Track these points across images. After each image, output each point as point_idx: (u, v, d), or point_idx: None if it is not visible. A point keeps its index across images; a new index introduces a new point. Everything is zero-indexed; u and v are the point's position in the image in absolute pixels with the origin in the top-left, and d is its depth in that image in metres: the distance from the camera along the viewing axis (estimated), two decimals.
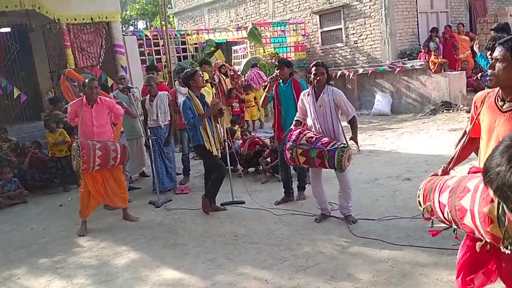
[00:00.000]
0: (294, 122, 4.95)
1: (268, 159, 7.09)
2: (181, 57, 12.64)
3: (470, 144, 2.78)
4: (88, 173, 5.31)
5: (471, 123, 2.69)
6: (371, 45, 13.66)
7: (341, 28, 14.31)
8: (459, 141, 3.02)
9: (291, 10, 15.66)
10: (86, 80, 5.49)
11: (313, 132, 4.73)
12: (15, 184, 7.31)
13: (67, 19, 9.64)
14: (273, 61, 13.54)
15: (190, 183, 7.18)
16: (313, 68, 4.71)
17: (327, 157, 4.47)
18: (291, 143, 4.66)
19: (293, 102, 5.48)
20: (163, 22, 11.34)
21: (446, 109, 11.48)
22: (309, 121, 4.84)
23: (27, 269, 4.59)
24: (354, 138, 4.67)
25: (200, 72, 6.26)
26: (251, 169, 7.45)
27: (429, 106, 12.05)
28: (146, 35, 11.82)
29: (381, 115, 12.52)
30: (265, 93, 5.76)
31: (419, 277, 3.50)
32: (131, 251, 4.72)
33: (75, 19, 9.78)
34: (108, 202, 5.65)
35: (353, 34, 14.05)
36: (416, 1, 13.58)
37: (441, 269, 3.56)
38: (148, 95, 6.82)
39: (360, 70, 13.39)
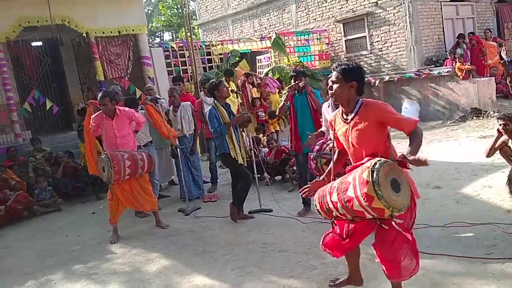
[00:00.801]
0: (318, 132, 5.00)
1: (295, 167, 7.11)
2: (206, 67, 12.82)
3: (341, 155, 3.42)
4: (117, 184, 5.45)
5: (334, 139, 3.39)
6: (396, 52, 13.59)
7: (365, 36, 14.28)
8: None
9: (314, 19, 15.72)
10: (98, 96, 5.63)
11: None
12: (50, 193, 7.54)
13: (95, 33, 9.93)
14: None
15: (218, 191, 7.27)
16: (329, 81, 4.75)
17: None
18: (315, 153, 4.70)
19: (309, 112, 5.54)
20: (188, 34, 11.55)
21: (476, 116, 11.27)
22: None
23: (63, 275, 4.73)
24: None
25: (225, 83, 6.36)
26: (278, 177, 7.50)
27: (458, 113, 11.86)
28: (172, 47, 12.05)
29: None
30: (283, 102, 5.82)
31: (450, 287, 3.47)
32: (162, 258, 4.82)
33: (103, 32, 10.06)
34: (139, 207, 5.79)
35: (377, 41, 14.00)
36: (441, 8, 13.46)
37: (473, 279, 3.52)
38: (172, 106, 6.99)
39: (386, 78, 13.31)
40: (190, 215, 6.19)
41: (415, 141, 2.97)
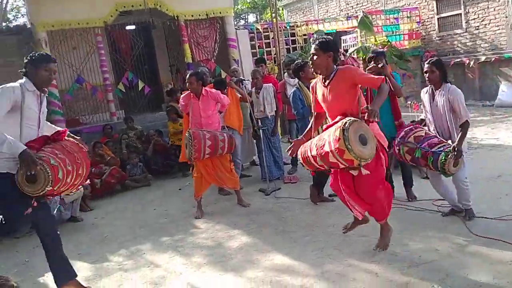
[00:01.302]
0: (419, 120, 4.82)
1: None
2: (290, 48, 12.76)
3: (317, 118, 4.15)
4: (199, 160, 5.67)
5: (313, 103, 4.07)
6: (495, 30, 12.53)
7: (460, 14, 13.33)
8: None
9: None
10: (187, 76, 5.89)
11: (426, 130, 4.53)
12: (141, 169, 8.03)
13: (184, 16, 10.26)
14: (385, 50, 13.07)
15: (298, 173, 7.27)
16: (425, 66, 4.50)
17: (431, 159, 4.28)
18: (398, 139, 4.58)
19: (387, 97, 5.29)
20: (273, 15, 11.53)
21: None
22: (427, 120, 4.66)
23: (151, 245, 5.05)
24: (457, 145, 4.23)
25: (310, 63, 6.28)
26: None
27: None
28: (257, 29, 12.13)
29: (505, 107, 11.46)
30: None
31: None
32: (243, 235, 4.96)
33: (192, 16, 10.36)
34: (221, 183, 5.98)
35: (474, 19, 13.01)
36: None
37: None
38: (254, 88, 7.07)
39: (482, 58, 12.36)
40: (270, 195, 6.27)
41: (379, 96, 3.60)
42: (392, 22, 14.39)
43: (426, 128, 4.61)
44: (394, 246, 4.14)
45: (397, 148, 4.60)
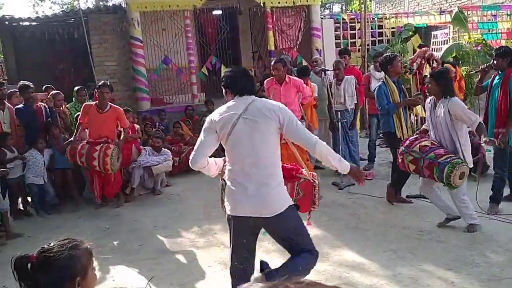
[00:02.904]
0: (421, 129, 4.89)
1: None
2: (376, 41, 12.35)
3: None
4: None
5: None
6: None
7: None
8: None
9: None
10: (273, 61, 5.92)
11: (432, 140, 4.50)
12: (217, 151, 8.19)
13: (271, 3, 10.26)
14: (479, 48, 12.23)
15: (374, 170, 7.07)
16: (426, 79, 4.45)
17: (436, 170, 4.22)
18: (403, 148, 4.55)
19: (497, 96, 4.97)
20: (362, 6, 11.20)
21: None
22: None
23: (222, 226, 5.13)
24: (502, 138, 4.25)
25: (399, 57, 6.05)
26: None
27: None
28: (343, 19, 11.85)
29: None
30: (477, 83, 5.34)
31: None
32: (314, 227, 4.84)
33: (279, 3, 10.34)
34: None
35: None
36: None
37: None
38: (335, 79, 6.90)
39: None
40: (344, 190, 6.15)
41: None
42: (489, 20, 13.41)
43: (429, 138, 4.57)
44: (475, 256, 3.92)
45: (401, 157, 4.55)
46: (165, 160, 6.77)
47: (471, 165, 4.38)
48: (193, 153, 2.95)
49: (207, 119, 2.97)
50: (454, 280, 3.55)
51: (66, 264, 1.61)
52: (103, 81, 6.47)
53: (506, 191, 5.26)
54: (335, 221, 5.03)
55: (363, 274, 3.75)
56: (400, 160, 4.61)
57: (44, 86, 7.52)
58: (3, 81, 5.59)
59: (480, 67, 5.36)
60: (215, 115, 2.92)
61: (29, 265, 1.63)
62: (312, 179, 3.30)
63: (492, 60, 5.13)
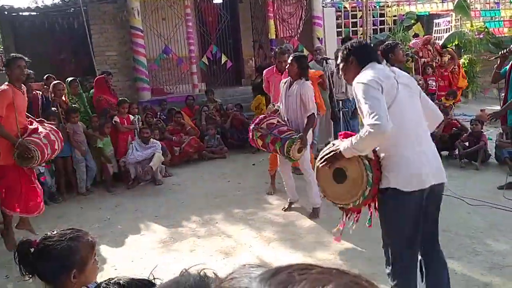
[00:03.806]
0: (272, 109, 5.18)
1: (466, 143, 6.50)
2: (378, 29, 12.28)
3: None
4: None
5: None
6: None
7: None
8: None
9: None
10: (276, 49, 5.88)
11: (279, 119, 4.86)
12: (217, 141, 8.21)
13: None
14: (481, 36, 12.16)
15: None
16: (283, 57, 4.94)
17: (279, 144, 4.61)
18: (253, 125, 4.88)
19: None
20: None
21: None
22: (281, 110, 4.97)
23: (224, 215, 5.17)
24: (302, 135, 4.59)
25: (401, 46, 6.00)
26: (444, 153, 6.93)
27: None
28: (345, 7, 11.77)
29: None
30: (495, 69, 5.28)
31: None
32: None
33: None
34: (296, 162, 5.94)
35: None
36: None
37: None
38: (337, 68, 6.83)
39: None
40: None
41: None
42: (492, 7, 13.32)
43: (278, 117, 4.93)
44: (476, 244, 3.92)
45: (251, 133, 4.88)
46: (153, 153, 6.66)
47: (307, 145, 4.73)
48: (375, 118, 2.37)
49: (369, 80, 2.51)
50: (456, 269, 3.54)
51: (63, 255, 1.61)
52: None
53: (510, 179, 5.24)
54: (337, 210, 5.01)
55: (364, 262, 3.76)
56: (250, 136, 4.93)
57: (45, 76, 7.50)
58: None
59: (500, 52, 5.27)
60: (375, 76, 2.52)
61: (31, 250, 1.64)
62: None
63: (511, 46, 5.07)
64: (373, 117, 2.38)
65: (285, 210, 5.13)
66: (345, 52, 2.76)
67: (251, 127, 4.92)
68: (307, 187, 4.93)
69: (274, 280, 0.55)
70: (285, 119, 4.88)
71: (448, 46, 11.03)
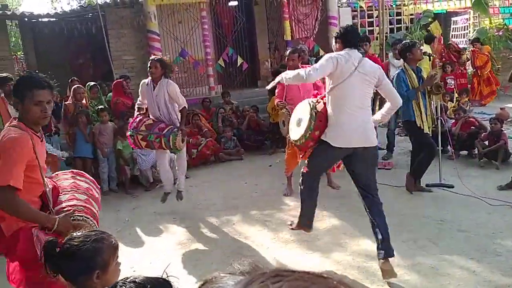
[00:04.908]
0: (136, 109, 5.40)
1: (486, 142, 6.40)
2: (395, 28, 12.17)
3: None
4: None
5: None
6: None
7: None
8: None
9: None
10: (288, 52, 5.84)
11: (152, 118, 5.24)
12: (234, 142, 8.24)
13: None
14: (500, 33, 11.96)
15: (393, 160, 7.00)
16: (149, 63, 5.17)
17: (164, 140, 5.00)
18: (131, 131, 5.14)
19: None
20: None
21: None
22: (149, 108, 5.29)
23: (241, 217, 5.19)
24: (181, 127, 5.14)
25: (419, 45, 5.94)
26: (463, 152, 6.85)
27: None
28: (360, 6, 11.69)
29: None
30: None
31: None
32: (332, 217, 4.90)
33: None
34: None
35: None
36: None
37: None
38: None
39: None
40: None
41: None
42: (511, 4, 13.08)
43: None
44: (497, 245, 3.86)
45: (132, 138, 5.16)
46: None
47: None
48: (311, 71, 3.57)
49: (332, 55, 3.60)
50: (476, 269, 3.50)
51: (87, 256, 1.65)
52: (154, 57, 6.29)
53: None
54: (353, 211, 4.99)
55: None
56: (132, 141, 5.21)
57: (70, 79, 7.74)
58: (11, 77, 5.70)
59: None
60: (339, 57, 3.52)
61: (56, 249, 1.68)
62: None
63: None
64: (310, 70, 3.59)
65: (162, 202, 5.59)
66: (335, 36, 3.74)
67: (128, 133, 5.23)
68: (180, 172, 5.60)
69: None
70: (158, 116, 5.24)
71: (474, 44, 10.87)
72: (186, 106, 5.34)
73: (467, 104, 9.21)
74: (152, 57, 5.50)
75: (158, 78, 5.16)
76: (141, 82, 5.43)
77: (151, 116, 5.32)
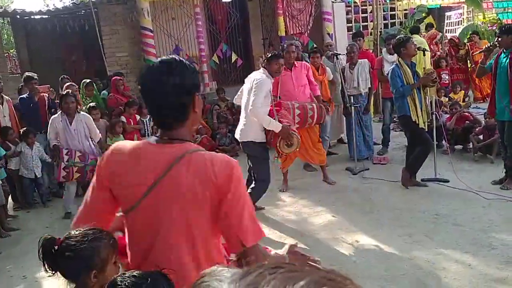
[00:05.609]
0: (53, 147, 5.63)
1: (481, 137, 6.42)
2: (389, 24, 12.17)
3: None
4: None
5: None
6: None
7: None
8: None
9: None
10: (285, 45, 5.87)
11: (80, 149, 5.50)
12: (229, 139, 8.23)
13: None
14: (493, 28, 11.98)
15: (388, 154, 7.00)
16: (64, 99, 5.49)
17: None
18: (66, 162, 5.36)
19: (505, 76, 4.89)
20: None
21: None
22: (64, 142, 5.50)
23: None
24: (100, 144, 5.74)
25: (413, 40, 5.94)
26: (458, 146, 6.87)
27: None
28: (354, 2, 11.68)
29: None
30: (479, 64, 5.25)
31: None
32: (328, 213, 4.91)
33: None
34: (308, 158, 5.93)
35: None
36: None
37: None
38: (349, 63, 6.81)
39: None
40: (358, 175, 6.11)
41: None
42: None
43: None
44: (492, 238, 3.88)
45: (66, 170, 5.41)
46: None
47: None
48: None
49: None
50: (471, 263, 3.52)
51: (85, 255, 1.63)
52: (66, 90, 6.22)
53: None
54: (349, 206, 5.01)
55: (378, 259, 3.74)
56: (65, 174, 5.40)
57: (60, 77, 7.64)
58: None
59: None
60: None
61: (54, 248, 1.67)
62: None
63: (496, 38, 5.02)
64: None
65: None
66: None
67: (63, 165, 5.38)
68: None
69: (244, 281, 0.54)
70: (77, 148, 5.51)
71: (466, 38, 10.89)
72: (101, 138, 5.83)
73: (469, 99, 9.23)
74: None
75: (72, 114, 5.50)
76: (52, 120, 5.67)
77: (70, 146, 5.56)
